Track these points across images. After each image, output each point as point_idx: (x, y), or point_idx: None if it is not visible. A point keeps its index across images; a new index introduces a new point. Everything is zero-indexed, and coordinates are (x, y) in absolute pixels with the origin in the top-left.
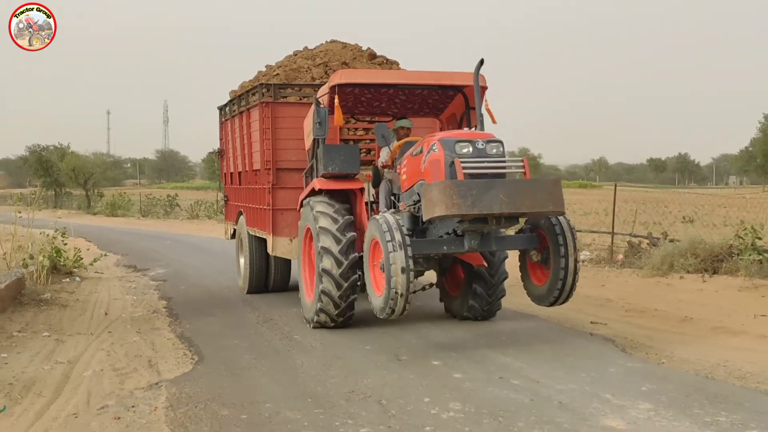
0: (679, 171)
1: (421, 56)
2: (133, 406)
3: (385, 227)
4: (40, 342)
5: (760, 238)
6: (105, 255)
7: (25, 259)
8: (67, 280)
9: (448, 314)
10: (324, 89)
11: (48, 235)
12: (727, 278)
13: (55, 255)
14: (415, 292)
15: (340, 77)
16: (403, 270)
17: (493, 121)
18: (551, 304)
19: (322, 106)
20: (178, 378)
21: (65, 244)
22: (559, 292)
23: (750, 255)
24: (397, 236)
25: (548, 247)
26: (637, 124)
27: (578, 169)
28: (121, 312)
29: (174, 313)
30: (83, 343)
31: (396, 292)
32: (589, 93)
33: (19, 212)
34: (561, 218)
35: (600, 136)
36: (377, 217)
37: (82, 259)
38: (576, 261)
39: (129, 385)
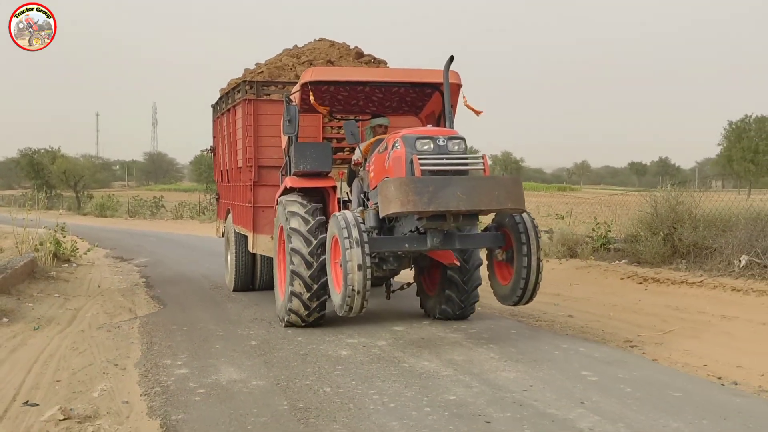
0: (660, 174)
1: (423, 57)
2: (118, 327)
3: (343, 224)
4: (54, 299)
5: (610, 231)
6: (96, 245)
7: (36, 245)
8: (66, 265)
9: (423, 312)
10: (296, 87)
11: (50, 230)
12: (578, 261)
13: (56, 245)
14: (393, 291)
15: (310, 75)
16: (359, 267)
17: (477, 113)
18: (515, 304)
19: (293, 104)
20: (148, 315)
21: (64, 237)
22: (522, 292)
23: (596, 243)
24: (355, 233)
25: (513, 246)
26: (625, 128)
27: (564, 173)
28: (110, 285)
29: (150, 285)
30: (84, 301)
31: (353, 289)
32: (578, 97)
33: (29, 212)
34: (525, 216)
35: (589, 140)
36: (337, 214)
37: (77, 249)
38: (539, 260)
39: (116, 319)
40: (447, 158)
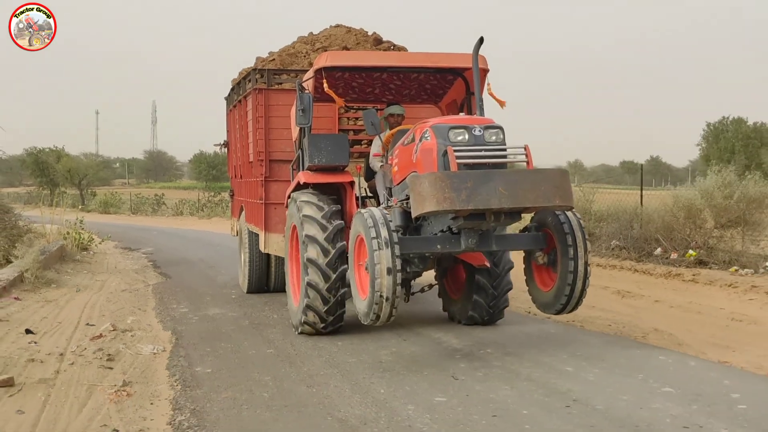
0: (651, 173)
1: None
2: (137, 290)
3: (370, 222)
4: (84, 275)
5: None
6: (109, 237)
7: (64, 235)
8: (85, 252)
9: (447, 317)
10: (309, 74)
11: (71, 223)
12: None
13: (78, 236)
14: (413, 293)
15: (325, 60)
16: (389, 271)
17: (501, 105)
18: (558, 312)
19: (306, 91)
20: (157, 283)
21: (82, 229)
22: (567, 299)
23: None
24: (384, 233)
25: (556, 248)
26: (619, 128)
27: None
28: (124, 266)
29: (157, 266)
30: (107, 276)
31: (381, 296)
32: (572, 97)
33: (54, 209)
34: (570, 215)
35: (584, 139)
36: (362, 211)
37: (93, 239)
38: (586, 264)
39: (134, 286)
40: (485, 150)
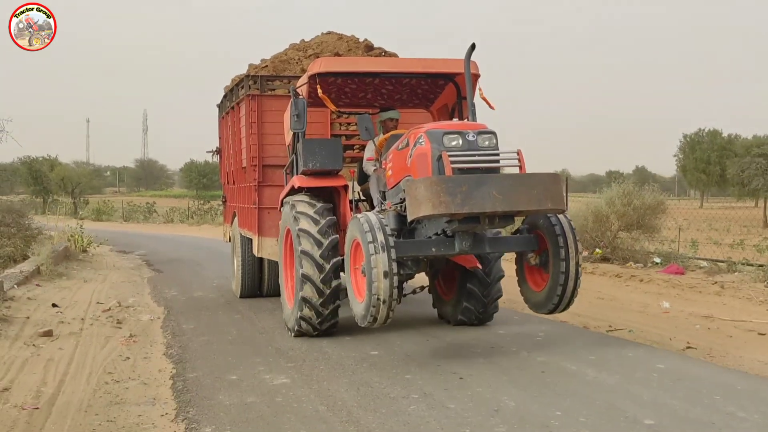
0: (637, 183)
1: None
2: (134, 281)
3: (366, 227)
4: (88, 270)
5: None
6: (106, 241)
7: (68, 237)
8: (85, 254)
9: (441, 320)
10: (303, 79)
11: (72, 227)
12: None
13: (79, 239)
14: (405, 295)
15: (319, 65)
16: (385, 274)
17: (491, 107)
18: (550, 312)
19: (300, 97)
20: (152, 276)
21: (81, 234)
22: (559, 299)
23: None
24: (380, 237)
25: (547, 250)
26: (606, 137)
27: None
28: (122, 265)
29: (150, 264)
30: (108, 271)
31: (378, 299)
32: (562, 104)
33: (59, 218)
34: (561, 217)
35: (572, 149)
36: (358, 216)
37: (92, 242)
38: (578, 264)
39: (132, 279)
40: (479, 155)
